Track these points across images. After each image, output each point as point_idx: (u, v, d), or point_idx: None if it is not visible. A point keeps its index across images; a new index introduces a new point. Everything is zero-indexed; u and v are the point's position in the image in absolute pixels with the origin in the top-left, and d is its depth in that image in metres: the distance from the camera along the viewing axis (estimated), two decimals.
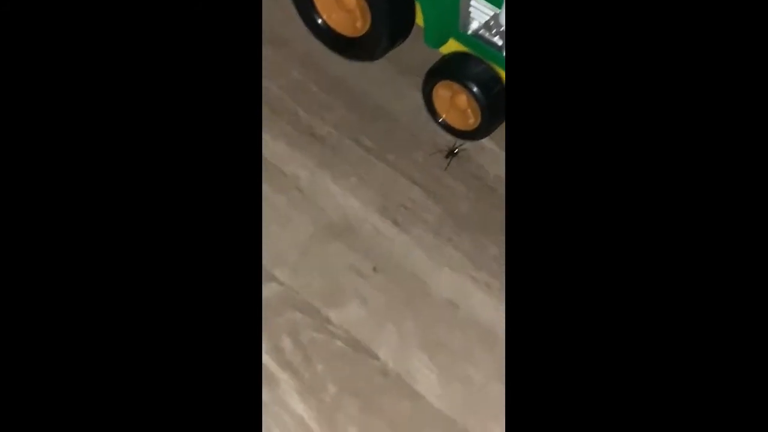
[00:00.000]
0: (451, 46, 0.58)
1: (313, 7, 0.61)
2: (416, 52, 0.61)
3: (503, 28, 0.55)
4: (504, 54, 0.55)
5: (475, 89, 0.56)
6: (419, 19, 0.58)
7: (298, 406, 0.49)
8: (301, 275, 0.54)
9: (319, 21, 0.61)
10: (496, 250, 0.55)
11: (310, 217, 0.56)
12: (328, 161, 0.58)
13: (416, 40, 0.59)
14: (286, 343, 0.51)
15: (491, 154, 0.59)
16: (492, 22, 0.55)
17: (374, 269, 0.54)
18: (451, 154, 0.59)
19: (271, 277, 0.53)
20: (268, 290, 0.53)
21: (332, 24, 0.61)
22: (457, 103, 0.58)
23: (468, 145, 0.59)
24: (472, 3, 0.55)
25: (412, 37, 0.60)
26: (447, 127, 0.60)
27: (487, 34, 0.56)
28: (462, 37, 0.57)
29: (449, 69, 0.57)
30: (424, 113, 0.60)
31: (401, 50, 0.61)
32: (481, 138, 0.59)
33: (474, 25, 0.56)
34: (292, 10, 0.62)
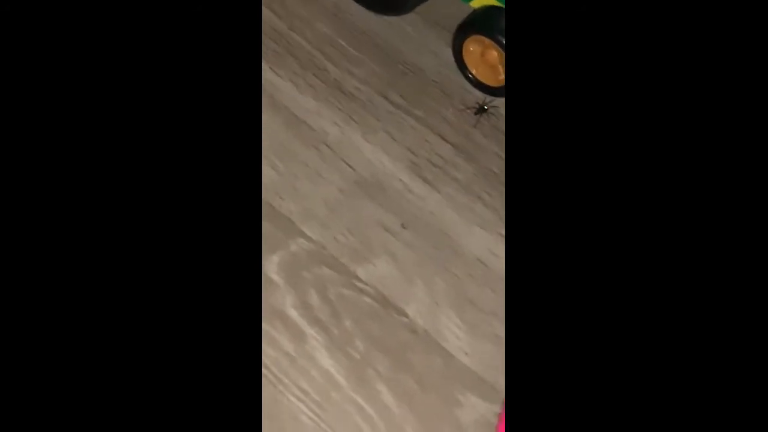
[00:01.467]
0: None
1: None
2: (446, 6, 0.60)
3: None
4: None
5: (505, 44, 0.55)
6: None
7: (327, 361, 0.49)
8: (330, 231, 0.53)
9: None
10: None
11: (339, 173, 0.56)
12: (357, 117, 0.58)
13: None
14: (314, 298, 0.51)
15: None
16: None
17: (403, 226, 0.54)
18: (481, 110, 0.58)
19: (299, 233, 0.53)
20: (296, 245, 0.53)
21: None
22: (488, 59, 0.57)
23: (498, 101, 0.58)
24: None
25: None
26: (477, 83, 0.59)
27: None
28: None
29: (479, 23, 0.56)
30: (455, 69, 0.59)
31: (431, 4, 0.61)
32: None
33: None
34: None
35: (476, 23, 0.57)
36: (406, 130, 0.57)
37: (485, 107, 0.58)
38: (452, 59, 0.59)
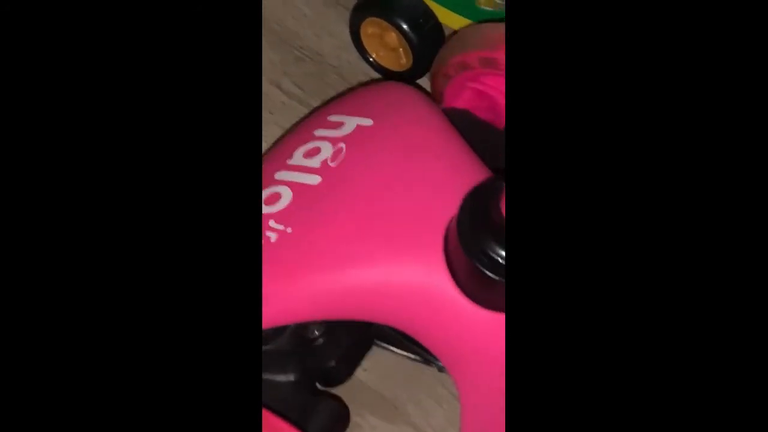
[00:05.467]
0: None
1: None
2: None
3: None
4: None
5: (404, 26, 0.50)
6: None
7: None
8: None
9: None
10: None
11: None
12: None
13: None
14: None
15: None
16: None
17: None
18: None
19: None
20: None
21: None
22: (388, 42, 0.53)
23: None
24: None
25: None
26: (378, 68, 0.54)
27: None
28: None
29: (376, 4, 0.52)
30: (354, 52, 0.55)
31: None
32: (417, 79, 0.53)
33: None
34: None
35: (373, 4, 0.52)
36: None
37: None
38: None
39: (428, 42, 0.51)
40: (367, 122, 0.40)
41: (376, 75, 0.54)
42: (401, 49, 0.52)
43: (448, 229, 0.35)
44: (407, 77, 0.53)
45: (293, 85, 0.54)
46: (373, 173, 0.39)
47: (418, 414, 0.46)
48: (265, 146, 0.52)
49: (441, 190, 0.36)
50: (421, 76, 0.53)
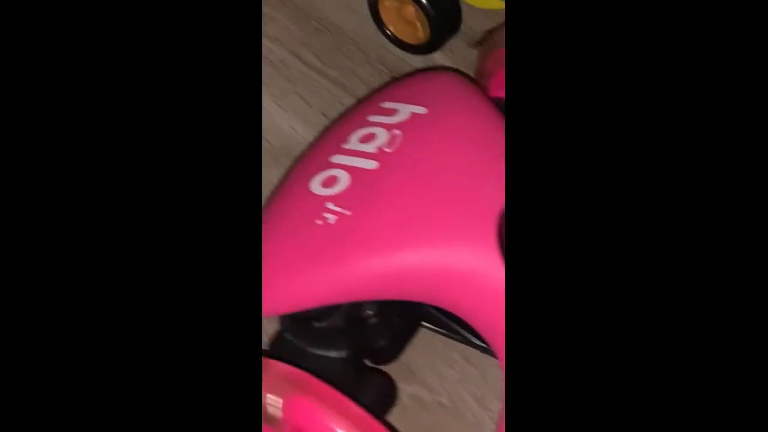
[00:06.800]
0: None
1: None
2: None
3: None
4: None
5: (422, 0, 0.52)
6: None
7: None
8: None
9: None
10: None
11: None
12: (267, 78, 0.54)
13: None
14: None
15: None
16: None
17: None
18: None
19: None
20: None
21: None
22: (405, 15, 0.54)
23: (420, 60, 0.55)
24: None
25: None
26: (396, 41, 0.56)
27: None
28: None
29: None
30: (372, 25, 0.56)
31: None
32: (433, 52, 0.55)
33: None
34: None
35: None
36: (320, 92, 0.54)
37: None
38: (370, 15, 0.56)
39: (445, 16, 0.53)
40: (422, 110, 0.42)
41: (392, 48, 0.56)
42: (418, 23, 0.53)
43: (500, 217, 0.37)
44: (425, 51, 0.55)
45: (312, 56, 0.55)
46: (429, 160, 0.40)
47: (432, 377, 0.48)
48: (286, 115, 0.53)
49: (495, 178, 0.38)
50: (436, 50, 0.55)
